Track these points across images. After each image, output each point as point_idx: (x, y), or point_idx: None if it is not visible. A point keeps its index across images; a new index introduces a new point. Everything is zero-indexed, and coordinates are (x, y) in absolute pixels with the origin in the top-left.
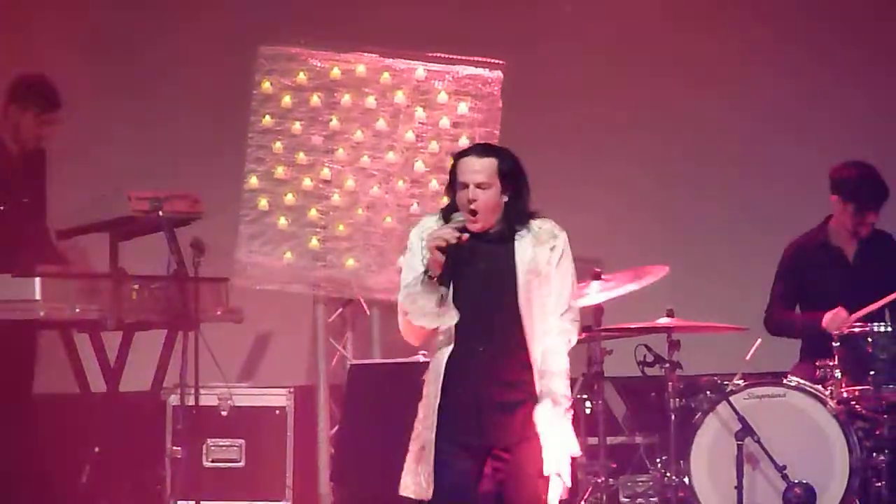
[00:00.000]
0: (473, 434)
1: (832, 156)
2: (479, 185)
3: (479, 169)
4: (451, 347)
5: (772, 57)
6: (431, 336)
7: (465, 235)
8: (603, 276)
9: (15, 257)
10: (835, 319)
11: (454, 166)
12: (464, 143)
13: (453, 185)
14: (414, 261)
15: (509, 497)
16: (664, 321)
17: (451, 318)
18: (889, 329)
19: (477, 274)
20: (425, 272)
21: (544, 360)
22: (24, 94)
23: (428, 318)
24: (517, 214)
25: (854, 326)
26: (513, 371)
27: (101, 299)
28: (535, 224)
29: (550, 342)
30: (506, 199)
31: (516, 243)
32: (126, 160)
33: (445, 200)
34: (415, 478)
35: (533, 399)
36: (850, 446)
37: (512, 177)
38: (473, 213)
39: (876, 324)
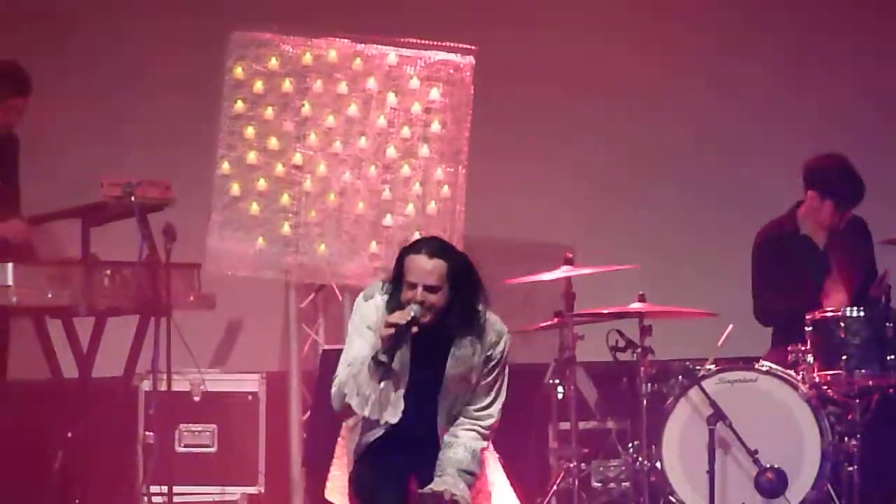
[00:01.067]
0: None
1: (804, 141)
2: (427, 288)
3: (431, 270)
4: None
5: (745, 42)
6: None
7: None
8: (574, 263)
9: None
10: (838, 303)
11: (402, 258)
12: (435, 128)
13: (400, 280)
14: (363, 331)
15: None
16: (636, 306)
17: (395, 415)
18: (861, 314)
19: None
20: (375, 357)
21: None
22: None
23: (371, 408)
24: (463, 317)
25: (826, 311)
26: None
27: (73, 285)
28: (481, 326)
29: (460, 442)
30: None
31: (454, 349)
32: (97, 146)
33: (417, 188)
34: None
35: None
36: (821, 431)
37: (462, 280)
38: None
39: (849, 308)
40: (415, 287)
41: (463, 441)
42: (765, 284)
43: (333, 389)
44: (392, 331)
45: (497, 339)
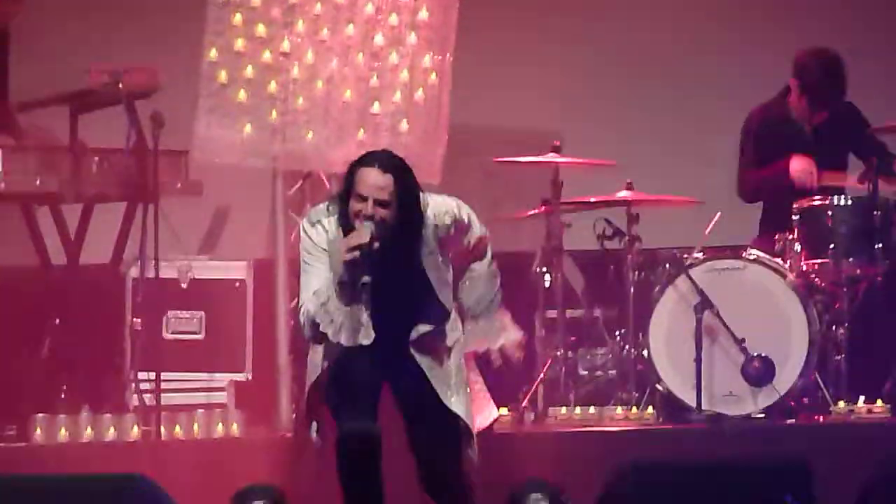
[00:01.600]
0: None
1: (794, 28)
2: (378, 202)
3: (383, 185)
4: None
5: None
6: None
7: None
8: (561, 152)
9: None
10: (802, 167)
11: (352, 170)
12: (423, 16)
13: (347, 194)
14: (316, 262)
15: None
16: (623, 195)
17: (368, 337)
18: (849, 202)
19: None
20: (340, 282)
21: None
22: None
23: (345, 334)
24: (412, 224)
25: (814, 199)
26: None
27: (61, 172)
28: (430, 214)
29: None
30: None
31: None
32: (84, 33)
33: (405, 75)
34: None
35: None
36: (809, 320)
37: (410, 196)
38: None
39: (836, 196)
40: (365, 200)
41: (477, 274)
42: (748, 163)
43: (302, 319)
44: (356, 253)
45: (448, 221)
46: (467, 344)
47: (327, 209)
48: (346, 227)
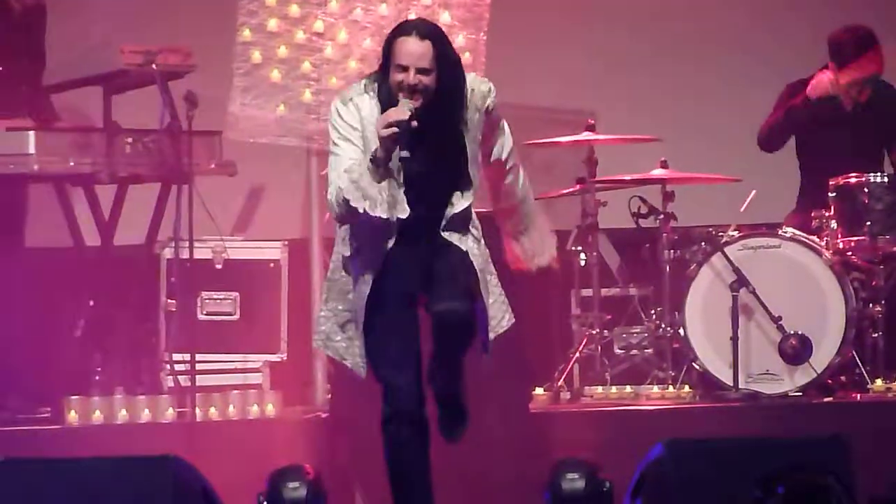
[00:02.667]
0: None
1: (828, 8)
2: (420, 70)
3: (423, 52)
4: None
5: None
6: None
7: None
8: (595, 130)
9: (11, 116)
10: (820, 82)
11: (391, 42)
12: None
13: (386, 62)
14: (348, 140)
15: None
16: (658, 172)
17: (404, 211)
18: (885, 180)
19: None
20: (373, 159)
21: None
22: None
23: (381, 208)
24: (453, 95)
25: (850, 177)
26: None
27: (95, 153)
28: (468, 83)
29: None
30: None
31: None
32: (118, 14)
33: None
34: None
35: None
36: (845, 297)
37: (449, 62)
38: (412, 95)
39: (872, 174)
40: (406, 70)
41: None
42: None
43: (331, 197)
44: (394, 129)
45: (487, 90)
46: (516, 260)
47: (364, 88)
48: (388, 101)
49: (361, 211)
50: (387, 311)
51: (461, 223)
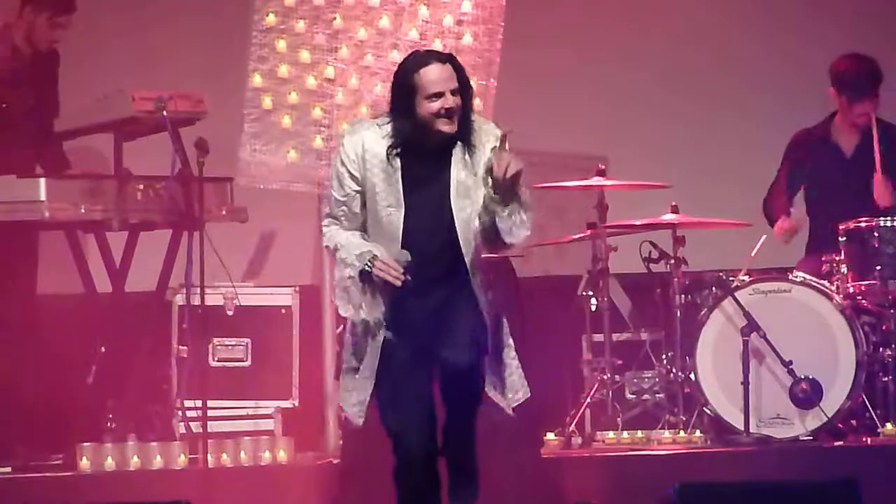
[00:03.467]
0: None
1: (838, 49)
2: (453, 92)
3: (450, 75)
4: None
5: None
6: None
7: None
8: (606, 175)
9: (20, 159)
10: (784, 229)
11: (412, 76)
12: (467, 41)
13: (409, 96)
14: (344, 178)
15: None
16: (669, 217)
17: (375, 315)
18: (895, 223)
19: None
20: (363, 272)
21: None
22: None
23: (353, 311)
24: (465, 121)
25: (860, 221)
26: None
27: (106, 199)
28: (475, 126)
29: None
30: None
31: (453, 153)
32: (129, 60)
33: None
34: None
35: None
36: (856, 341)
37: (464, 82)
38: (449, 118)
39: (882, 218)
40: (441, 96)
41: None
42: (775, 184)
43: (324, 242)
44: (386, 276)
45: (493, 138)
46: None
47: (371, 123)
48: (404, 137)
49: (349, 316)
50: (398, 363)
51: (472, 271)
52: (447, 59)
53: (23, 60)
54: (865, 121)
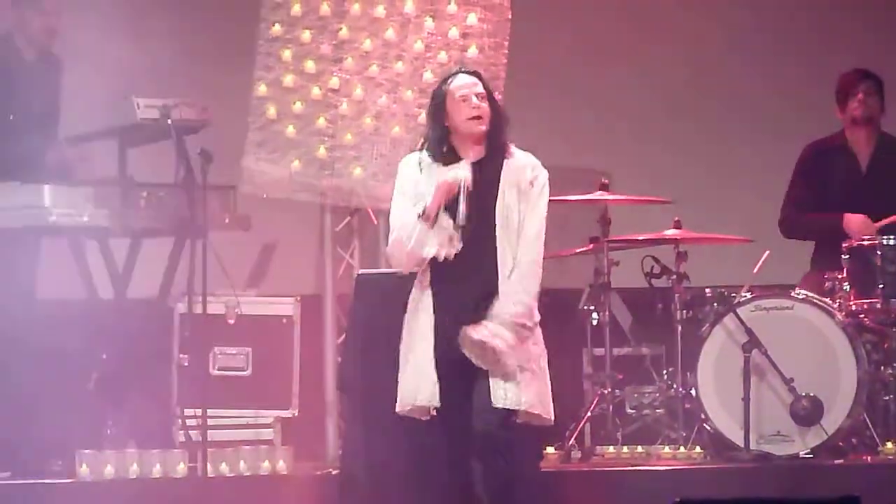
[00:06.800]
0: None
1: (842, 66)
2: (478, 96)
3: (475, 82)
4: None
5: None
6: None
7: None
8: (609, 190)
9: (24, 166)
10: (857, 224)
11: (442, 92)
12: (472, 53)
13: (440, 113)
14: (402, 200)
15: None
16: (671, 232)
17: (455, 248)
18: None
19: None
20: (421, 215)
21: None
22: None
23: (438, 249)
24: (498, 141)
25: (863, 239)
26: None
27: (110, 206)
28: (516, 155)
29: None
30: None
31: (502, 171)
32: (135, 68)
33: None
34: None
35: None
36: (857, 359)
37: (490, 94)
38: (478, 118)
39: (885, 237)
40: (465, 100)
41: (511, 293)
42: (794, 199)
43: (390, 250)
44: (452, 185)
45: (534, 166)
46: None
47: (420, 149)
48: (439, 153)
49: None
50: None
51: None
52: (472, 73)
53: (26, 68)
54: (862, 111)
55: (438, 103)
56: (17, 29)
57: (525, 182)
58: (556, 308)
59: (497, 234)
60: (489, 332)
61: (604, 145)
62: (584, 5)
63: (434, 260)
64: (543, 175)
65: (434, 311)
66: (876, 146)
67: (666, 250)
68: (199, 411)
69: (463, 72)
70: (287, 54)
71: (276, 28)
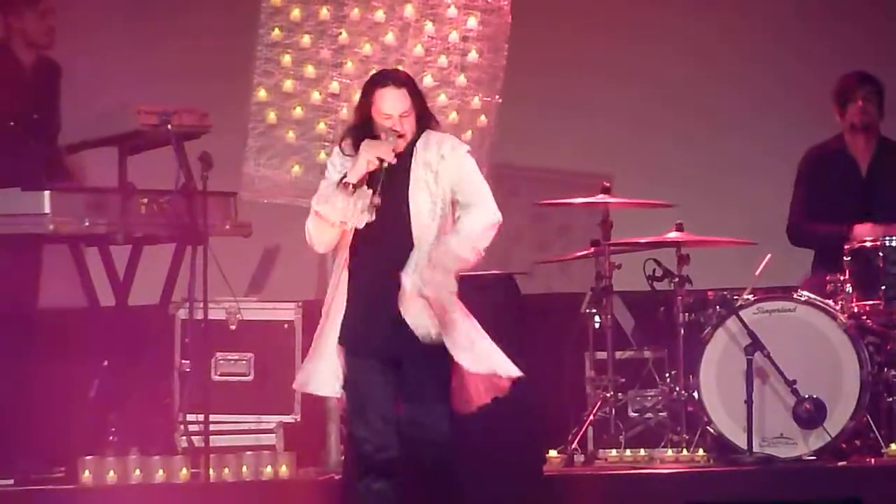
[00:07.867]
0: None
1: (844, 66)
2: (402, 115)
3: (401, 101)
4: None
5: None
6: (333, 242)
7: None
8: (611, 193)
9: (24, 172)
10: (867, 233)
11: (370, 93)
12: (472, 57)
13: (364, 109)
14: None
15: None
16: (673, 235)
17: (366, 218)
18: None
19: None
20: (342, 179)
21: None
22: None
23: (346, 214)
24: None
25: (865, 240)
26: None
27: (110, 213)
28: (431, 136)
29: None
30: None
31: (413, 157)
32: (134, 74)
33: (454, 116)
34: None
35: None
36: (860, 361)
37: (419, 100)
38: (400, 136)
39: (887, 238)
40: (390, 117)
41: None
42: (799, 204)
43: (308, 223)
44: (376, 164)
45: (443, 140)
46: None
47: (343, 139)
48: (357, 138)
49: (326, 215)
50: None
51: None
52: (405, 83)
53: (25, 74)
54: (861, 117)
55: (364, 102)
56: (15, 33)
57: (436, 156)
58: (558, 312)
59: (411, 214)
60: (422, 280)
61: (605, 149)
62: (584, 8)
63: (352, 248)
64: (456, 143)
65: (347, 299)
66: (875, 151)
67: (668, 253)
68: (201, 417)
69: (392, 83)
70: (287, 59)
71: (276, 33)
